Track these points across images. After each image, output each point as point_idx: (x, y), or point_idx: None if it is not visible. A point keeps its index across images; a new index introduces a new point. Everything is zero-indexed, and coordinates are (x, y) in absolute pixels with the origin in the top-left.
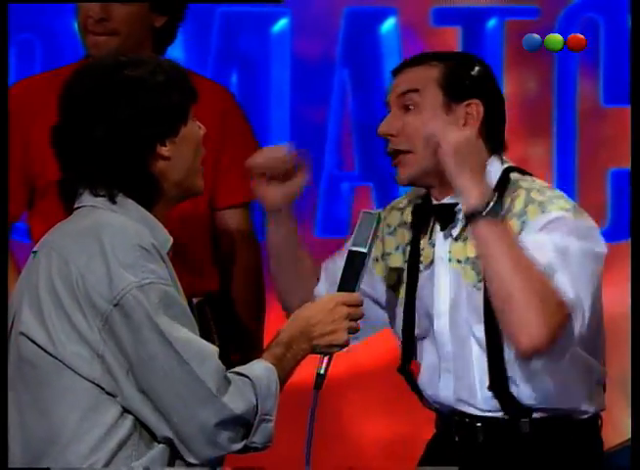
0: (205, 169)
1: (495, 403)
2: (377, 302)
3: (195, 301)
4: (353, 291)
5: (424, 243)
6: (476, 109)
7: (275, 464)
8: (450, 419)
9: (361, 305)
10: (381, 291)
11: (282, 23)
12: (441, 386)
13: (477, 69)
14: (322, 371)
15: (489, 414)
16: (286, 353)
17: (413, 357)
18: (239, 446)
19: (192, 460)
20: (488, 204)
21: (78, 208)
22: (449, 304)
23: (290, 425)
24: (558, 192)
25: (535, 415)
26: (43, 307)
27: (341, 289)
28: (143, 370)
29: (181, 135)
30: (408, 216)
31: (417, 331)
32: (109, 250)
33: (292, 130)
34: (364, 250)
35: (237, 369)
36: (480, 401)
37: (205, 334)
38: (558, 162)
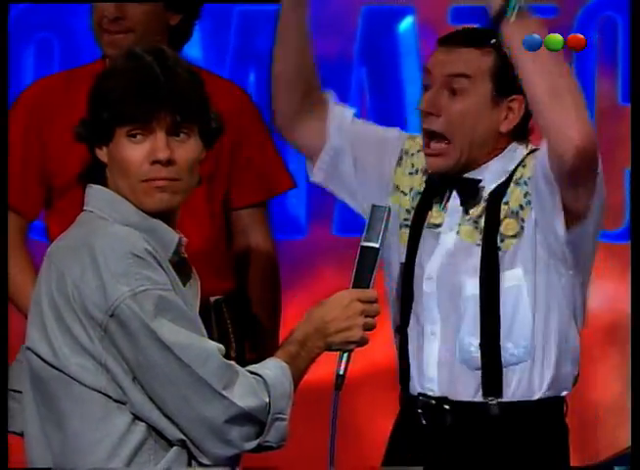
0: (221, 169)
1: (473, 365)
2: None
3: (212, 300)
4: (367, 287)
5: (436, 207)
6: (518, 105)
7: (288, 464)
8: (416, 400)
9: (376, 302)
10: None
11: None
12: (424, 349)
13: None
14: (341, 371)
15: (461, 390)
16: (300, 352)
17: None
18: (252, 444)
19: (206, 462)
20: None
21: (84, 211)
22: (441, 266)
23: (302, 424)
24: None
25: (506, 397)
26: (46, 321)
27: (355, 285)
28: (146, 377)
29: (109, 150)
30: None
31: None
32: (101, 260)
33: None
34: (376, 245)
35: (250, 368)
36: (458, 367)
37: (222, 333)
38: None
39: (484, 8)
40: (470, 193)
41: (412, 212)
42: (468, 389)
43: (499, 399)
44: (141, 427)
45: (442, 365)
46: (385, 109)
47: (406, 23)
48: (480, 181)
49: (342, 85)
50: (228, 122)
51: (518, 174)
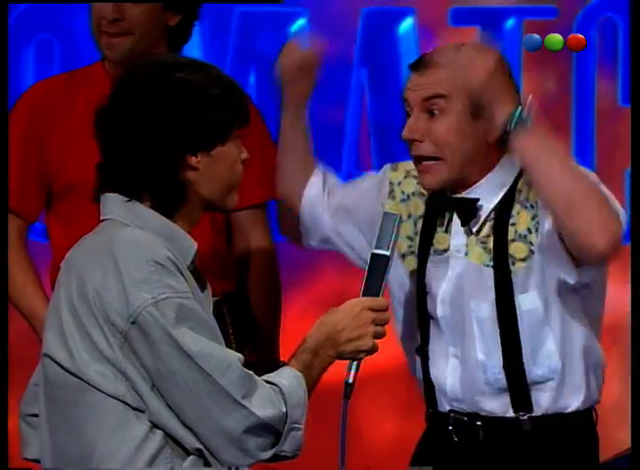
0: None
1: (500, 386)
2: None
3: (212, 300)
4: (377, 295)
5: (440, 230)
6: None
7: (292, 466)
8: (447, 417)
9: (387, 310)
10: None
11: (299, 24)
12: (448, 372)
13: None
14: (350, 380)
15: (491, 407)
16: (313, 360)
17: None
18: (269, 454)
19: None
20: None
21: (103, 220)
22: (453, 290)
23: (307, 427)
24: None
25: (536, 413)
26: (65, 327)
27: (365, 293)
28: (165, 385)
29: (216, 152)
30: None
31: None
32: (123, 267)
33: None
34: (387, 253)
35: (266, 377)
36: (484, 387)
37: (222, 334)
38: (575, 161)
39: (484, 10)
40: (469, 213)
41: (415, 239)
42: (497, 407)
43: (530, 414)
44: (158, 435)
45: (468, 386)
46: (385, 110)
47: (406, 24)
48: (477, 200)
49: (342, 86)
50: None
51: (522, 195)
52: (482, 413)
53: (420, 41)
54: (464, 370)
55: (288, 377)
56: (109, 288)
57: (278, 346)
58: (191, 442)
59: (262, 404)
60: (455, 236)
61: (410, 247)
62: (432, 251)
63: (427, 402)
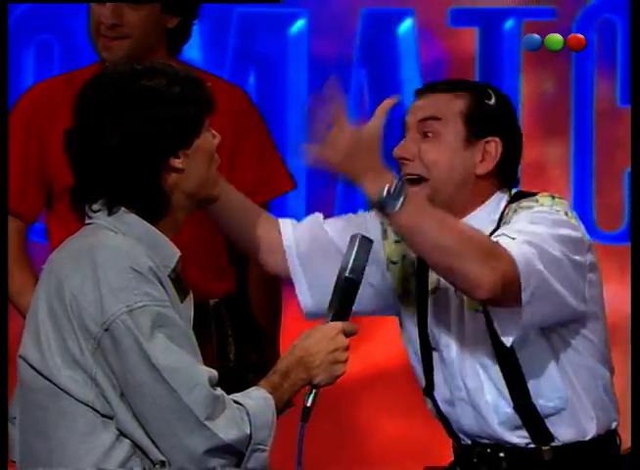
0: (221, 171)
1: (514, 424)
2: (382, 295)
3: (211, 302)
4: (347, 320)
5: (430, 271)
6: (495, 147)
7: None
8: (472, 450)
9: (356, 334)
10: (388, 290)
11: (299, 24)
12: (460, 415)
13: (501, 105)
14: (309, 404)
15: (511, 440)
16: (282, 383)
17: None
18: None
19: None
20: (388, 191)
21: (88, 224)
22: (453, 335)
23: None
24: (551, 200)
25: (557, 442)
26: (40, 330)
27: (336, 317)
28: (133, 396)
29: (194, 146)
30: None
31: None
32: (101, 273)
33: (308, 131)
34: (358, 279)
35: (234, 397)
36: (499, 427)
37: (222, 335)
38: (575, 162)
39: (483, 11)
40: None
41: (412, 280)
42: (518, 440)
43: (552, 444)
44: (126, 444)
45: (484, 427)
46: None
47: (406, 25)
48: None
49: (341, 87)
50: (228, 124)
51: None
52: (505, 445)
53: (419, 42)
54: (476, 414)
55: (256, 398)
56: (85, 293)
57: (278, 347)
58: (155, 453)
59: (226, 426)
60: None
61: (405, 289)
62: (429, 291)
63: (449, 436)
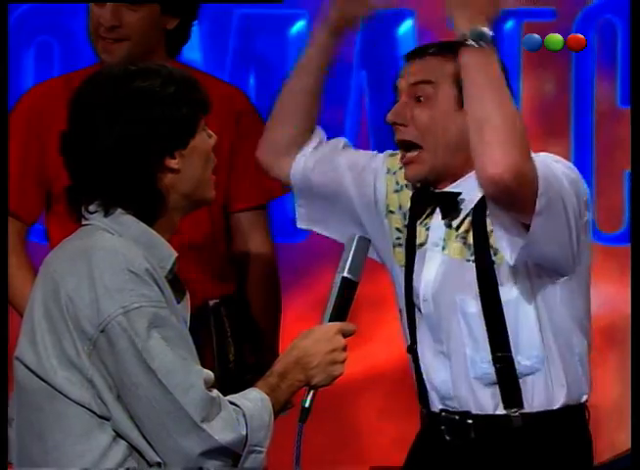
0: (220, 172)
1: (489, 381)
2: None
3: (211, 303)
4: (345, 320)
5: (420, 224)
6: None
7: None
8: (440, 417)
9: (353, 335)
10: (386, 242)
11: (299, 25)
12: (437, 370)
13: None
14: (307, 405)
15: (481, 399)
16: (280, 384)
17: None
18: None
19: None
20: (479, 32)
21: (84, 225)
22: (435, 287)
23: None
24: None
25: (525, 409)
26: (36, 331)
27: (333, 317)
28: (128, 397)
29: (190, 147)
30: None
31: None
32: (97, 274)
33: None
34: (356, 279)
35: (230, 398)
36: (473, 383)
37: (221, 336)
38: (575, 162)
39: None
40: (450, 206)
41: (404, 231)
42: (488, 403)
43: (521, 411)
44: (122, 445)
45: (457, 383)
46: (384, 112)
47: (405, 26)
48: (459, 194)
49: (341, 89)
50: (228, 125)
51: None
52: (473, 412)
53: (419, 43)
54: (452, 367)
55: (253, 399)
56: (81, 295)
57: (278, 347)
58: (151, 455)
59: (222, 428)
60: (434, 230)
61: (399, 239)
62: (417, 245)
63: (420, 402)
